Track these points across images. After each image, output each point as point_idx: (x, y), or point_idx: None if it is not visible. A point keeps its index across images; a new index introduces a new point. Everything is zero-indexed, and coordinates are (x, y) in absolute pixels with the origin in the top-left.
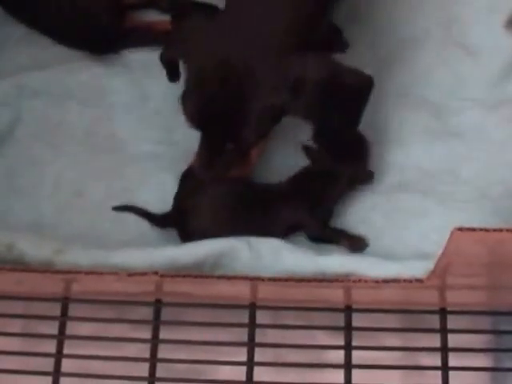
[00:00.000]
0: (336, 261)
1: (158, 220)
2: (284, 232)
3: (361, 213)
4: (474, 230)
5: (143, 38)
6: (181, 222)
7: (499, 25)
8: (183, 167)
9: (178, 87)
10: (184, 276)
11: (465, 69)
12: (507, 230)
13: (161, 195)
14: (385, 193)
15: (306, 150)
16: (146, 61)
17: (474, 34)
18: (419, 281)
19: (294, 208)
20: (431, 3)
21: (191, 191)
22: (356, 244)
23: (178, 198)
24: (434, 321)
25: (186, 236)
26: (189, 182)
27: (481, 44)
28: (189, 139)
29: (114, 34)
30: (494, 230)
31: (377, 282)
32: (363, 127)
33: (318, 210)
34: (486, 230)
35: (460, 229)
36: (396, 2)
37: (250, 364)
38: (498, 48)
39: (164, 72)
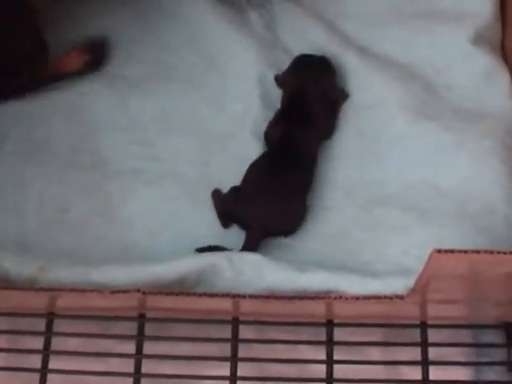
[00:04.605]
0: (317, 278)
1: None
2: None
3: (340, 225)
4: (452, 251)
5: (53, 77)
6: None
7: (465, 41)
8: (167, 182)
9: (161, 104)
10: (166, 293)
11: (440, 84)
12: (485, 252)
13: (145, 211)
14: (364, 206)
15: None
16: (130, 78)
17: (441, 50)
18: (400, 297)
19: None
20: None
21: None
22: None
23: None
24: (415, 334)
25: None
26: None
27: (449, 60)
28: (172, 155)
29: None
30: (472, 252)
31: (357, 298)
32: (342, 140)
33: None
34: (465, 252)
35: (439, 250)
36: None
37: (233, 378)
38: (467, 63)
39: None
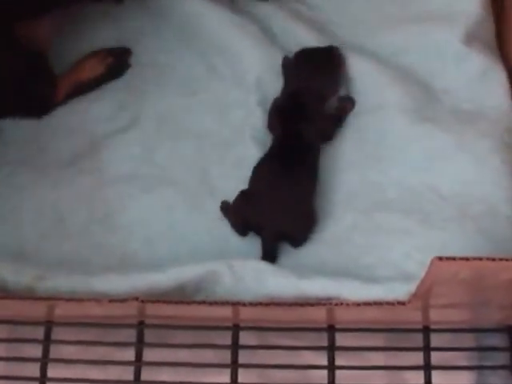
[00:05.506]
0: (317, 284)
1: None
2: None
3: (341, 231)
4: (454, 258)
5: (76, 91)
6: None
7: (458, 41)
8: (166, 190)
9: (160, 110)
10: (165, 302)
11: (436, 85)
12: (487, 259)
13: (144, 218)
14: (365, 211)
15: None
16: (128, 82)
17: (434, 52)
18: (401, 303)
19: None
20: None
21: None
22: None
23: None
24: (417, 339)
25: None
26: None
27: (444, 62)
28: (171, 162)
29: (50, 99)
30: (474, 259)
31: (359, 304)
32: (342, 144)
33: None
34: (467, 259)
35: (440, 258)
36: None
37: None
38: (462, 64)
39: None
